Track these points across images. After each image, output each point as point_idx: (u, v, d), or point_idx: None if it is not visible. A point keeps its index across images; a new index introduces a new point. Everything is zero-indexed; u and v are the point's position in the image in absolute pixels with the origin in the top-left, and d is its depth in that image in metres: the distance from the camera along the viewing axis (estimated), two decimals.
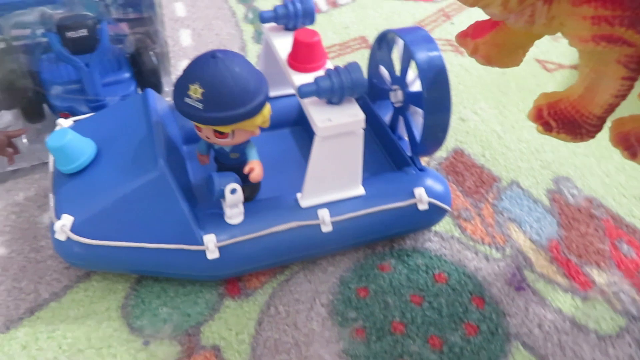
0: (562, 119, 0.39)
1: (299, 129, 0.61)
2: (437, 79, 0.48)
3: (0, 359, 0.43)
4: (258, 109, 0.43)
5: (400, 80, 0.54)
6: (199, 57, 0.42)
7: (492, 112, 0.72)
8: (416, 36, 0.51)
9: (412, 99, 0.53)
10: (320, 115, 0.43)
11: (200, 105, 0.41)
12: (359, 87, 0.43)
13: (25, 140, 0.59)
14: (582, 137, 0.40)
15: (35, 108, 0.58)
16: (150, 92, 0.51)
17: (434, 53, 0.49)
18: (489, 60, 0.45)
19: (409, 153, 0.55)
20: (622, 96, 0.38)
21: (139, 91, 0.63)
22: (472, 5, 0.38)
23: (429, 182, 0.51)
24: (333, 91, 0.43)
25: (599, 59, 0.37)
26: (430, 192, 0.50)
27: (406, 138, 0.56)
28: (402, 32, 0.51)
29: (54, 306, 0.47)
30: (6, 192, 0.56)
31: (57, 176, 0.47)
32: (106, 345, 0.45)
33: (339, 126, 0.43)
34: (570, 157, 0.66)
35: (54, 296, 0.48)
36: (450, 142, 0.67)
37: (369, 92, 0.61)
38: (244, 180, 0.47)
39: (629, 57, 0.35)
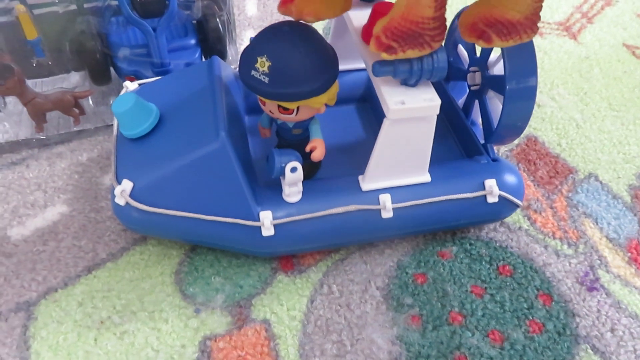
0: (401, 35, 0.37)
1: (366, 105, 0.59)
2: (523, 63, 0.44)
3: (57, 314, 0.44)
4: (326, 86, 0.41)
5: (480, 62, 0.51)
6: (268, 28, 0.41)
7: (572, 99, 0.67)
8: None
9: (492, 83, 0.49)
10: (392, 97, 0.41)
11: (266, 79, 0.40)
12: (440, 71, 0.40)
13: (91, 102, 0.59)
14: (429, 44, 0.38)
15: (102, 70, 0.58)
16: (217, 59, 0.50)
17: (526, 45, 0.45)
18: (317, 15, 0.41)
19: (482, 140, 0.51)
20: None
21: (204, 58, 0.62)
22: None
23: (502, 173, 0.48)
24: (411, 73, 0.40)
25: None
26: (502, 185, 0.47)
27: (480, 124, 0.53)
28: None
29: (111, 266, 0.48)
30: (70, 152, 0.57)
31: (120, 140, 0.47)
32: (158, 309, 0.45)
33: (412, 110, 0.40)
34: None
35: (111, 257, 0.48)
36: None
37: None
38: (305, 157, 0.45)
39: None
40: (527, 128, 0.62)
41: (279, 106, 0.42)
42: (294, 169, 0.42)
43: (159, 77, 0.53)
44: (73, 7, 0.54)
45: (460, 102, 0.56)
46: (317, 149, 0.44)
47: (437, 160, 0.48)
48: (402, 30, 0.37)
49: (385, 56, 0.38)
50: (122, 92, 0.51)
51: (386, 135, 0.43)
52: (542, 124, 0.63)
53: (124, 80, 0.58)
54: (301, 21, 0.41)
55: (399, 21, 0.37)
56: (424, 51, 0.38)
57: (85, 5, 0.54)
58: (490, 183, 0.47)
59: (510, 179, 0.48)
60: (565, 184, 0.57)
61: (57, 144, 0.58)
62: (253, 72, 0.40)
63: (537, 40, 0.76)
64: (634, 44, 0.77)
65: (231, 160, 0.43)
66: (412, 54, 0.38)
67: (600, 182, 0.57)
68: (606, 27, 0.80)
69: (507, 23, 0.38)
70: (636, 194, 0.56)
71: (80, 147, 0.58)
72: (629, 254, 0.50)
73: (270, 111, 0.44)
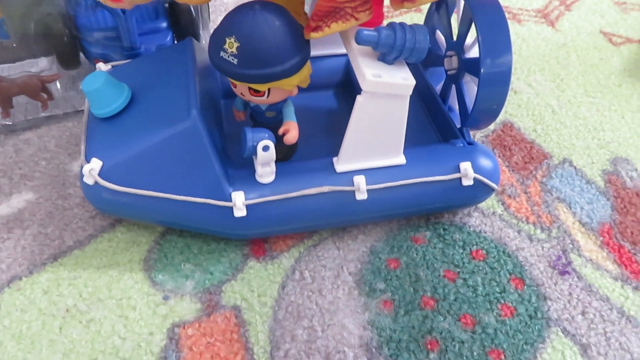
0: (325, 14, 0.40)
1: (343, 91, 0.58)
2: (498, 46, 0.44)
3: (21, 302, 0.43)
4: (296, 67, 0.40)
5: (456, 46, 0.50)
6: (237, 8, 0.40)
7: (548, 86, 0.67)
8: (481, 1, 0.46)
9: (468, 66, 0.49)
10: (370, 69, 0.40)
11: (234, 61, 0.39)
12: (420, 52, 0.40)
13: (59, 87, 0.58)
14: (353, 16, 0.40)
15: (71, 54, 0.56)
16: (191, 41, 0.49)
17: (498, 14, 0.45)
18: None
19: (458, 125, 0.51)
20: None
21: (175, 42, 0.61)
22: None
23: (477, 157, 0.47)
24: (393, 48, 0.39)
25: None
26: (477, 168, 0.47)
27: (457, 109, 0.52)
28: None
29: (78, 254, 0.46)
30: (38, 138, 0.56)
31: (90, 120, 0.46)
32: (126, 296, 0.44)
33: (388, 85, 0.40)
34: (632, 137, 0.61)
35: (78, 244, 0.47)
36: (500, 114, 0.62)
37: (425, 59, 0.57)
38: (279, 140, 0.44)
39: None
40: (503, 114, 0.62)
41: (249, 88, 0.41)
42: (265, 148, 0.41)
43: (134, 59, 0.52)
44: None
45: (438, 88, 0.56)
46: (290, 131, 0.44)
47: (414, 142, 0.48)
48: (324, 10, 0.39)
49: (313, 35, 0.40)
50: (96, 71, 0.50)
51: (360, 110, 0.42)
52: (518, 110, 0.63)
53: (94, 64, 0.57)
54: (272, 1, 0.40)
55: (321, 3, 0.40)
56: (349, 23, 0.40)
57: None
58: (466, 166, 0.47)
59: (485, 162, 0.48)
60: (540, 169, 0.57)
61: (25, 130, 0.57)
62: (222, 54, 0.39)
63: (515, 27, 0.76)
64: (611, 31, 0.77)
65: (203, 139, 0.42)
66: (337, 27, 0.40)
67: (575, 168, 0.57)
68: (584, 15, 0.80)
69: None
70: (609, 179, 0.56)
71: (48, 133, 0.57)
72: (601, 238, 0.50)
73: (241, 93, 0.43)
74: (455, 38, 0.51)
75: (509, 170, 0.56)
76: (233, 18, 0.39)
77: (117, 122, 0.45)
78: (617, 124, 0.62)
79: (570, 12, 0.80)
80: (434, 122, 0.54)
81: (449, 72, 0.52)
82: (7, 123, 0.56)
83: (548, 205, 0.53)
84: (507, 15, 0.78)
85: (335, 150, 0.46)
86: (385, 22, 0.45)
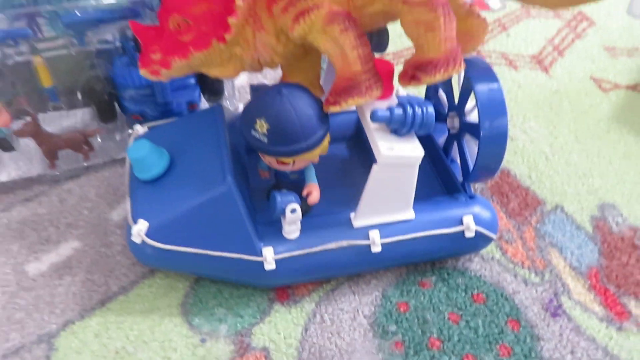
0: (342, 91, 0.45)
1: (354, 144, 0.64)
2: (496, 115, 0.50)
3: (76, 345, 0.49)
4: (319, 141, 0.46)
5: (457, 108, 0.56)
6: (265, 92, 0.45)
7: (542, 132, 0.73)
8: (477, 68, 0.52)
9: (469, 128, 0.55)
10: (384, 143, 0.46)
11: (265, 139, 0.45)
12: (427, 126, 0.46)
13: (99, 139, 0.64)
14: (369, 90, 0.45)
15: (109, 109, 0.62)
16: (219, 107, 0.55)
17: (495, 87, 0.51)
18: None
19: (460, 177, 0.57)
20: (361, 45, 0.44)
21: (202, 96, 0.66)
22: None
23: (478, 210, 0.53)
24: (403, 124, 0.45)
25: (321, 34, 0.44)
26: (478, 221, 0.53)
27: (459, 161, 0.58)
28: (466, 62, 0.52)
29: (122, 299, 0.52)
30: (79, 187, 0.62)
31: (133, 181, 0.51)
32: (167, 339, 0.49)
33: (399, 157, 0.46)
34: (619, 183, 0.67)
35: (122, 290, 0.53)
36: None
37: None
38: (302, 197, 0.50)
39: (330, 16, 0.43)
40: None
41: (276, 159, 0.47)
42: (293, 211, 0.47)
43: (167, 121, 0.58)
44: (84, 50, 0.58)
45: (441, 141, 0.62)
46: (312, 193, 0.50)
47: (421, 195, 0.54)
48: (341, 87, 0.45)
49: (332, 109, 0.46)
50: (132, 135, 0.56)
51: (375, 177, 0.48)
52: (514, 157, 0.69)
53: (130, 118, 0.62)
54: (294, 85, 0.46)
55: (338, 81, 0.46)
56: (364, 98, 0.45)
57: (95, 48, 0.59)
58: (468, 220, 0.53)
59: (485, 214, 0.54)
60: (534, 216, 0.62)
61: (67, 180, 0.62)
62: (253, 133, 0.45)
63: (511, 74, 0.82)
64: (601, 77, 0.83)
65: (236, 202, 0.48)
66: (352, 102, 0.45)
67: (566, 214, 0.63)
68: (576, 60, 0.86)
69: (429, 62, 0.46)
70: (597, 224, 0.62)
71: (88, 183, 0.62)
72: (589, 282, 0.56)
73: (269, 162, 0.49)
74: (456, 101, 0.57)
75: (507, 217, 0.62)
76: (262, 101, 0.45)
77: (158, 184, 0.51)
78: (604, 170, 0.68)
79: (562, 57, 0.87)
80: (438, 175, 0.60)
81: (451, 131, 0.58)
82: (54, 173, 0.61)
83: (541, 250, 0.59)
84: (504, 61, 0.84)
85: (349, 199, 0.52)
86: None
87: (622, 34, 0.92)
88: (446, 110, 0.60)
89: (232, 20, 0.43)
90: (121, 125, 0.65)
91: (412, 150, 0.46)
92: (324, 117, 0.47)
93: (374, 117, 0.45)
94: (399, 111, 0.45)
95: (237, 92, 0.69)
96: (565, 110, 0.77)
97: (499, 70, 0.83)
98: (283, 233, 0.49)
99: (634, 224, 0.62)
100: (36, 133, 0.57)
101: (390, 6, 0.44)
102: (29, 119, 0.57)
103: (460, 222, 0.53)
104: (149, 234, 0.48)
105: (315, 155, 0.48)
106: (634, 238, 0.61)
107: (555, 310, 0.54)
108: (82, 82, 0.58)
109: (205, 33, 0.45)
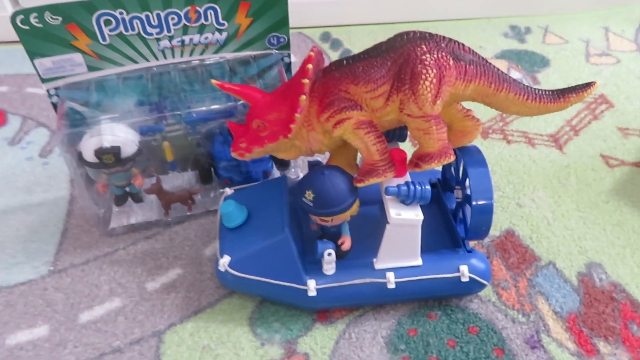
0: (366, 172, 0.64)
1: (380, 207, 0.83)
2: (483, 193, 0.67)
3: (177, 340, 0.70)
4: (349, 207, 0.66)
5: (461, 183, 0.74)
6: (313, 172, 0.66)
7: (547, 201, 0.88)
8: (471, 155, 0.70)
9: (468, 200, 0.72)
10: (394, 209, 0.65)
11: (311, 204, 0.65)
12: (425, 200, 0.64)
13: (199, 196, 0.88)
14: (384, 172, 0.65)
15: (208, 175, 0.86)
16: (285, 178, 0.77)
17: (484, 171, 0.68)
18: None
19: (463, 234, 0.74)
20: (379, 142, 0.63)
21: (274, 166, 0.89)
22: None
23: (473, 261, 0.70)
24: (408, 197, 0.64)
25: (352, 134, 0.63)
26: (472, 269, 0.69)
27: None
28: (464, 153, 0.71)
29: (209, 311, 0.73)
30: (183, 230, 0.85)
31: (222, 228, 0.74)
32: (238, 341, 0.70)
33: (405, 220, 0.65)
34: (607, 246, 0.80)
35: (209, 305, 0.74)
36: (505, 223, 0.85)
37: (443, 184, 0.81)
38: (338, 245, 0.70)
39: (357, 124, 0.63)
40: (507, 223, 0.84)
41: (320, 218, 0.68)
42: (330, 254, 0.67)
43: (247, 185, 0.80)
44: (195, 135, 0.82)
45: (454, 205, 0.80)
46: (345, 243, 0.69)
47: (431, 246, 0.71)
48: (365, 170, 0.64)
49: (358, 185, 0.64)
50: (223, 195, 0.79)
51: (388, 234, 0.67)
52: (520, 221, 0.85)
53: (221, 182, 0.86)
54: (333, 167, 0.67)
55: (363, 166, 0.64)
56: (381, 178, 0.64)
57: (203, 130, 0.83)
58: (463, 268, 0.69)
59: (479, 265, 0.71)
60: (529, 269, 0.78)
61: (175, 224, 0.86)
62: (304, 199, 0.66)
63: (528, 150, 0.98)
64: (609, 154, 0.97)
65: (291, 247, 0.68)
66: (373, 181, 0.64)
67: (557, 269, 0.77)
68: (589, 139, 1.01)
69: (427, 154, 0.65)
70: (582, 279, 0.76)
71: (190, 227, 0.86)
72: (567, 324, 0.70)
73: (315, 219, 0.69)
74: (460, 177, 0.75)
75: (506, 269, 0.78)
76: (311, 178, 0.66)
77: (238, 230, 0.72)
78: (598, 234, 0.82)
79: (578, 136, 1.01)
80: (447, 231, 0.77)
81: (457, 200, 0.76)
82: (167, 219, 0.85)
83: (531, 297, 0.74)
84: (523, 139, 1.01)
85: (373, 248, 0.70)
86: None
87: (637, 116, 1.06)
88: (455, 183, 0.78)
89: (293, 126, 0.65)
90: (215, 186, 0.88)
91: (415, 215, 0.65)
92: (354, 189, 0.67)
93: (386, 191, 0.65)
94: (404, 187, 0.65)
95: (299, 165, 0.91)
96: (572, 183, 0.91)
97: (518, 147, 1.00)
98: (323, 270, 0.69)
99: (616, 280, 0.76)
100: (159, 192, 0.81)
101: (399, 117, 0.65)
102: (154, 181, 0.81)
103: (458, 270, 0.70)
104: (230, 265, 0.69)
105: (347, 215, 0.68)
106: (614, 292, 0.74)
107: (534, 344, 0.68)
108: (193, 156, 0.83)
109: (276, 131, 0.67)
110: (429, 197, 0.65)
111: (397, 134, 0.75)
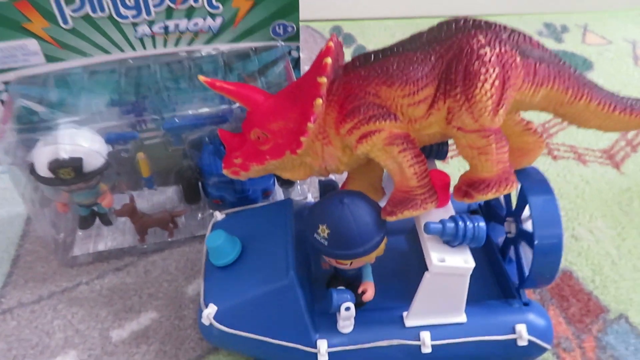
0: (399, 202, 0.49)
1: (414, 236, 0.67)
2: (550, 227, 0.52)
3: None
4: (375, 247, 0.50)
5: (515, 214, 0.58)
6: (329, 199, 0.50)
7: (609, 233, 0.72)
8: (532, 180, 0.55)
9: (524, 235, 0.56)
10: (436, 253, 0.49)
11: (325, 243, 0.49)
12: (479, 240, 0.48)
13: (183, 218, 0.71)
14: (424, 203, 0.49)
15: (195, 193, 0.70)
16: (290, 201, 0.61)
17: (549, 200, 0.53)
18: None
19: (516, 280, 0.58)
20: (417, 163, 0.48)
21: (277, 182, 0.73)
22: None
23: (532, 317, 0.54)
24: (455, 237, 0.48)
25: (382, 152, 0.49)
26: (531, 329, 0.53)
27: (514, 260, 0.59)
28: (522, 177, 0.55)
29: None
30: (162, 260, 0.69)
31: (208, 265, 0.58)
32: None
33: (451, 268, 0.48)
34: None
35: None
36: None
37: (485, 212, 0.65)
38: (357, 291, 0.53)
39: (390, 138, 0.48)
40: (563, 262, 0.68)
41: (336, 260, 0.52)
42: (347, 309, 0.51)
43: (243, 208, 0.64)
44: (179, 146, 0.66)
45: (500, 240, 0.64)
46: (368, 291, 0.53)
47: (475, 296, 0.55)
48: (398, 198, 0.49)
49: (389, 218, 0.50)
50: (212, 221, 0.62)
51: (427, 284, 0.51)
52: (577, 259, 0.69)
53: (212, 201, 0.70)
54: (355, 194, 0.51)
55: (395, 193, 0.50)
56: (419, 210, 0.49)
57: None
58: (520, 328, 0.53)
59: (539, 322, 0.55)
60: (596, 324, 0.62)
61: (152, 253, 0.70)
62: (316, 235, 0.50)
63: (579, 169, 0.82)
64: None
65: (297, 295, 0.52)
66: (408, 214, 0.49)
67: (630, 325, 0.61)
68: None
69: (481, 181, 0.49)
70: None
71: (170, 256, 0.70)
72: None
73: (329, 260, 0.53)
74: (513, 207, 0.59)
75: (566, 322, 0.62)
76: (326, 208, 0.50)
77: (229, 270, 0.56)
78: None
79: (636, 153, 0.86)
80: (494, 275, 0.61)
81: (508, 235, 0.60)
82: (142, 247, 0.69)
83: None
84: (572, 155, 0.85)
85: (403, 294, 0.54)
86: None
87: None
88: (504, 212, 0.62)
89: (303, 138, 0.49)
90: (203, 206, 0.72)
91: (463, 262, 0.49)
92: (381, 224, 0.51)
93: (427, 229, 0.49)
94: (450, 225, 0.48)
95: (307, 183, 0.75)
96: (636, 211, 0.75)
97: (566, 164, 0.84)
98: (338, 326, 0.53)
99: None
100: (132, 214, 0.65)
101: (446, 130, 0.49)
102: (127, 200, 0.65)
103: (513, 330, 0.54)
104: (216, 317, 0.53)
105: (371, 257, 0.52)
106: None
107: None
108: (175, 170, 0.67)
109: (280, 145, 0.51)
110: (484, 237, 0.49)
111: (434, 150, 0.59)
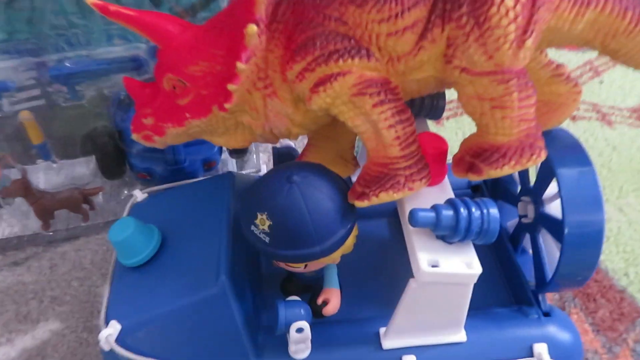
0: (373, 180, 0.34)
1: (397, 220, 0.52)
2: (587, 211, 0.37)
3: None
4: (338, 244, 0.35)
5: (533, 193, 0.43)
6: (272, 175, 0.35)
7: None
8: (561, 145, 0.40)
9: (547, 223, 0.41)
10: (425, 254, 0.34)
11: (266, 239, 0.34)
12: (490, 236, 0.33)
13: (101, 197, 0.56)
14: (408, 182, 0.34)
15: (115, 165, 0.54)
16: (231, 175, 0.45)
17: (587, 173, 0.38)
18: None
19: (532, 280, 0.43)
20: (401, 122, 0.33)
21: (223, 153, 0.57)
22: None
23: (555, 332, 0.40)
24: (455, 231, 0.33)
25: (349, 106, 0.33)
26: (554, 349, 0.39)
27: (530, 252, 0.45)
28: (547, 141, 0.39)
29: None
30: (75, 251, 0.54)
31: (117, 267, 0.42)
32: None
33: (447, 275, 0.33)
34: None
35: None
36: None
37: (492, 188, 0.50)
38: (317, 299, 0.39)
39: (360, 85, 0.32)
40: None
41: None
42: (299, 330, 0.36)
43: (170, 186, 0.49)
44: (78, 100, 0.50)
45: (510, 224, 0.49)
46: (331, 302, 0.38)
47: (477, 303, 0.40)
48: (373, 174, 0.35)
49: (358, 203, 0.35)
50: (129, 203, 0.47)
51: (412, 296, 0.36)
52: (606, 245, 0.54)
53: (137, 177, 0.54)
54: (310, 169, 0.35)
55: (369, 166, 0.35)
56: (400, 193, 0.34)
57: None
58: (540, 349, 0.39)
59: (564, 337, 0.41)
60: (632, 331, 0.47)
61: (63, 241, 0.55)
62: (253, 228, 0.34)
63: (604, 131, 0.67)
64: None
65: (231, 309, 0.38)
66: (386, 197, 0.34)
67: None
68: None
69: (495, 148, 0.34)
70: None
71: (86, 246, 0.54)
72: None
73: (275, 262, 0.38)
74: (532, 182, 0.44)
75: (593, 331, 0.48)
76: (266, 189, 0.35)
77: (144, 272, 0.41)
78: None
79: None
80: (503, 273, 0.46)
81: (522, 219, 0.45)
82: (48, 235, 0.54)
83: None
84: (594, 115, 0.69)
85: (381, 303, 0.40)
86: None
87: None
88: (518, 189, 0.46)
89: (232, 86, 0.33)
90: (129, 180, 0.56)
91: (466, 266, 0.34)
92: (349, 210, 0.35)
93: (413, 220, 0.33)
94: (448, 213, 0.33)
95: (262, 150, 0.59)
96: None
97: (589, 126, 0.68)
98: (290, 351, 0.38)
99: None
100: (26, 193, 0.50)
101: (444, 73, 0.33)
102: (19, 176, 0.49)
103: (530, 352, 0.39)
104: (120, 338, 0.38)
105: (335, 257, 0.36)
106: None
107: None
108: (82, 135, 0.50)
109: (205, 97, 0.36)
110: (497, 231, 0.34)
111: (426, 105, 0.43)
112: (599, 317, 0.49)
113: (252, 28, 0.32)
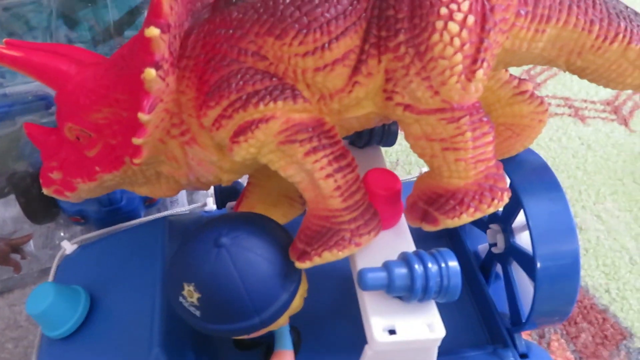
0: (314, 237, 0.30)
1: None
2: (559, 246, 0.34)
3: None
4: (281, 311, 0.30)
5: (503, 221, 0.39)
6: (198, 240, 0.30)
7: (623, 218, 0.54)
8: (527, 171, 0.36)
9: (518, 256, 0.37)
10: (379, 319, 0.30)
11: (197, 312, 0.29)
12: (452, 293, 0.29)
13: (32, 246, 0.50)
14: (354, 237, 0.29)
15: (43, 209, 0.49)
16: (166, 221, 0.40)
17: (557, 200, 0.34)
18: None
19: (507, 311, 0.39)
20: (341, 169, 0.28)
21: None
22: None
23: None
24: (412, 291, 0.29)
25: (278, 155, 0.28)
26: None
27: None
28: (512, 166, 0.35)
29: None
30: (9, 307, 0.49)
31: (43, 339, 0.37)
32: None
33: (405, 343, 0.29)
34: None
35: None
36: None
37: None
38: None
39: (288, 131, 0.27)
40: None
41: None
42: None
43: (104, 232, 0.44)
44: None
45: (482, 248, 0.45)
46: None
47: (450, 345, 0.36)
48: (314, 230, 0.30)
49: (299, 265, 0.30)
50: (57, 257, 0.42)
51: None
52: (585, 259, 0.51)
53: (70, 220, 0.49)
54: (243, 228, 0.30)
55: (309, 219, 0.31)
56: (347, 250, 0.30)
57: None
58: None
59: None
60: (617, 357, 0.44)
61: None
62: (181, 299, 0.30)
63: (577, 128, 0.63)
64: None
65: None
66: (330, 256, 0.30)
67: None
68: None
69: (450, 195, 0.30)
70: None
71: (21, 299, 0.49)
72: None
73: None
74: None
75: (576, 359, 0.44)
76: (192, 255, 0.30)
77: (71, 343, 0.36)
78: None
79: None
80: (477, 309, 0.42)
81: (492, 249, 0.41)
82: None
83: None
84: (566, 110, 0.66)
85: (350, 350, 0.35)
86: None
87: None
88: (485, 216, 0.42)
89: (137, 140, 0.28)
90: (65, 222, 0.51)
91: (427, 329, 0.29)
92: (291, 270, 0.31)
93: (362, 283, 0.29)
94: (401, 271, 0.29)
95: None
96: None
97: (561, 123, 0.64)
98: None
99: None
100: None
101: (385, 110, 0.28)
102: None
103: None
104: None
105: (280, 323, 0.32)
106: None
107: None
108: (6, 176, 0.45)
109: (114, 148, 0.31)
110: (459, 287, 0.29)
111: (377, 132, 0.39)
112: (581, 342, 0.45)
113: (150, 73, 0.26)
